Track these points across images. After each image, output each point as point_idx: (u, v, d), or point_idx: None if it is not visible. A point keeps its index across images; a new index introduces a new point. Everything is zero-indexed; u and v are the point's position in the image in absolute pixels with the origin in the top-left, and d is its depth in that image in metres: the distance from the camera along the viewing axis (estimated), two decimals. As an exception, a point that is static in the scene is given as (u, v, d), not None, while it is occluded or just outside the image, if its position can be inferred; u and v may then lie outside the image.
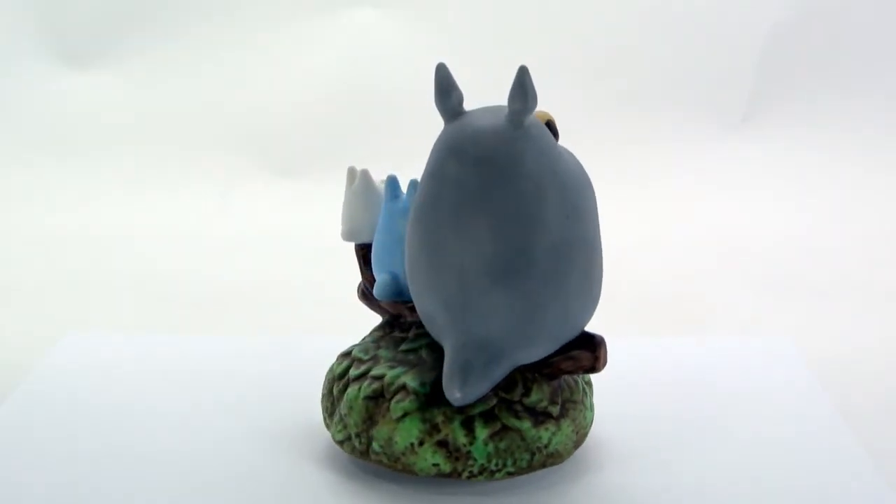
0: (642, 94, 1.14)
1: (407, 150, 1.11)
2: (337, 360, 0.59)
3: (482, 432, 0.54)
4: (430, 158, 0.53)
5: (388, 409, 0.55)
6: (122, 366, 0.70)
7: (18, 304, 0.86)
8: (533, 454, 0.55)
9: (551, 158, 0.52)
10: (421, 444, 0.54)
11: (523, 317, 0.52)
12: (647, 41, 1.15)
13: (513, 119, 0.52)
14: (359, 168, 0.60)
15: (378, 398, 0.55)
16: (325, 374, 0.62)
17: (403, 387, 0.55)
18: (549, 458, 0.55)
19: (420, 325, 0.58)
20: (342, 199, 0.61)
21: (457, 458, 0.54)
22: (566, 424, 0.56)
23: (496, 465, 0.54)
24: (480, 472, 0.54)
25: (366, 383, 0.56)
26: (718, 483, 0.57)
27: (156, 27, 1.16)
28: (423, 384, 0.55)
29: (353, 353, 0.58)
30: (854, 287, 0.90)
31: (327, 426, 0.58)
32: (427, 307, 0.54)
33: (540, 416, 0.55)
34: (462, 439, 0.54)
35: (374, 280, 0.60)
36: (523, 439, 0.54)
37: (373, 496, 0.56)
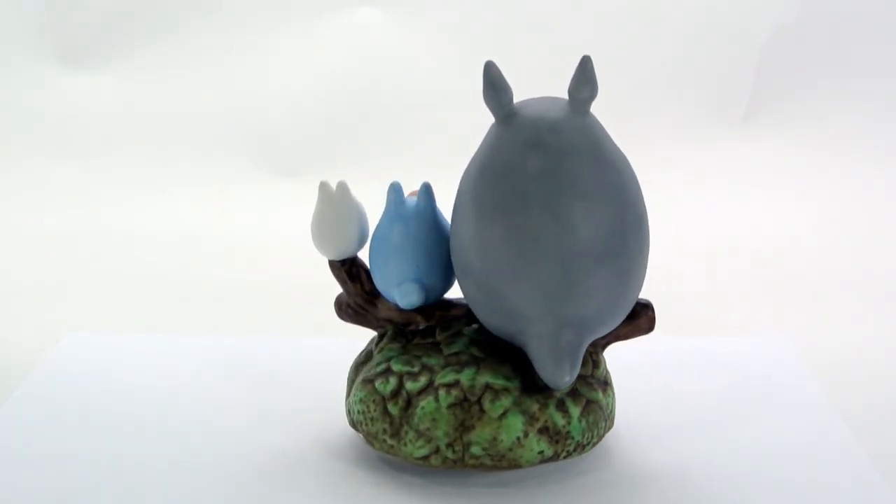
0: (643, 92, 1.14)
1: (407, 150, 1.11)
2: (378, 380, 0.57)
3: (575, 411, 0.56)
4: (494, 158, 0.54)
5: (481, 410, 0.55)
6: (121, 366, 0.70)
7: (18, 304, 0.86)
8: (605, 422, 0.58)
9: (613, 142, 0.55)
10: (526, 435, 0.55)
11: (617, 293, 0.54)
12: (648, 40, 1.15)
13: (579, 107, 0.54)
14: (331, 181, 0.58)
15: (463, 403, 0.55)
16: (329, 375, 0.62)
17: (488, 386, 0.55)
18: (610, 423, 0.59)
19: (444, 327, 0.59)
20: (316, 214, 0.58)
21: (557, 441, 0.56)
22: (613, 388, 0.60)
23: (587, 439, 0.57)
24: (575, 449, 0.57)
25: (441, 393, 0.56)
26: (718, 482, 0.57)
27: (156, 27, 1.16)
28: (507, 378, 0.56)
29: (394, 368, 0.57)
30: (854, 287, 0.90)
31: (388, 449, 0.57)
32: (513, 301, 0.54)
33: (604, 385, 0.58)
34: (560, 421, 0.56)
35: (371, 292, 0.59)
36: (601, 409, 0.57)
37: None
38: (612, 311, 0.55)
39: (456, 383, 0.56)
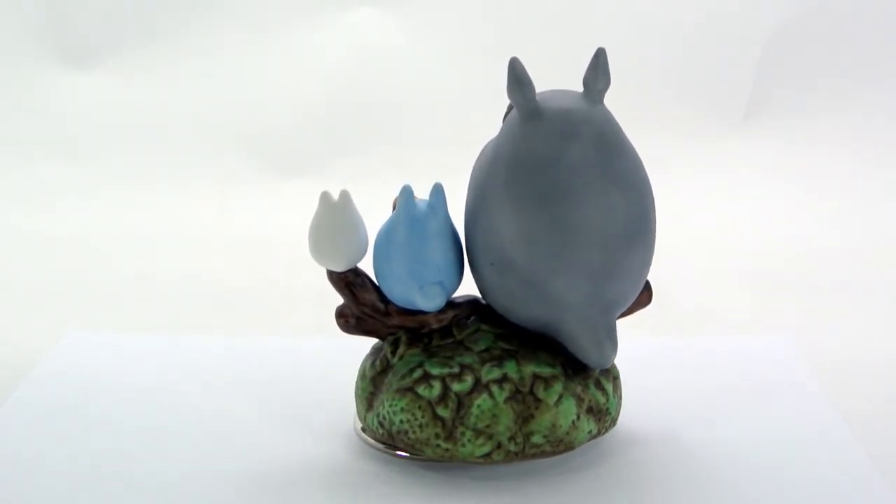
0: (643, 91, 1.14)
1: (408, 150, 1.11)
2: (420, 386, 0.56)
3: (609, 387, 0.59)
4: (526, 152, 0.55)
5: (537, 399, 0.56)
6: (121, 366, 0.70)
7: (18, 304, 0.86)
8: (622, 394, 0.61)
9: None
10: (578, 417, 0.57)
11: (642, 272, 0.57)
12: (648, 39, 1.15)
13: (596, 97, 0.56)
14: (331, 188, 0.57)
15: (517, 395, 0.56)
16: (331, 375, 0.62)
17: (536, 375, 0.57)
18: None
19: (459, 326, 0.59)
20: (319, 225, 0.56)
21: (600, 419, 0.58)
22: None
23: (617, 412, 0.60)
24: (611, 425, 0.59)
25: (494, 389, 0.56)
26: (718, 482, 0.57)
27: (156, 27, 1.16)
28: (550, 365, 0.57)
29: (431, 371, 0.57)
30: (854, 287, 0.90)
31: (443, 452, 0.56)
32: (556, 290, 0.55)
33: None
34: (601, 399, 0.58)
35: (379, 301, 0.58)
36: (620, 382, 0.60)
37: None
38: (636, 289, 0.57)
39: (504, 377, 0.56)
